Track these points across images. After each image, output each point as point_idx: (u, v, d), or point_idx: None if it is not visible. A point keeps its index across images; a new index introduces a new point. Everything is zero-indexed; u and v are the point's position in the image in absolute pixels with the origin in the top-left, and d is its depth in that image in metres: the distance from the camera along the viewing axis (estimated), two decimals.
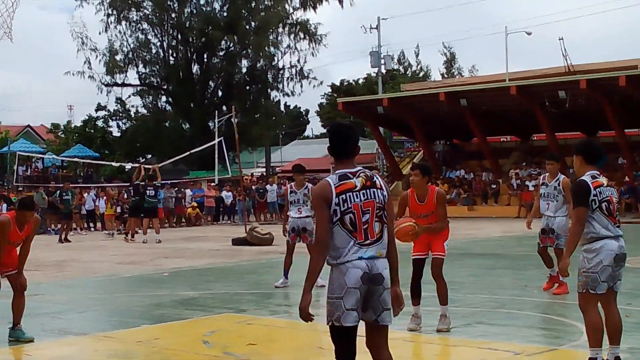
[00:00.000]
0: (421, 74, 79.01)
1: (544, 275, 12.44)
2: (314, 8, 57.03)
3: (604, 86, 35.44)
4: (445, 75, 76.36)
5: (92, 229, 34.40)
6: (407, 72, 79.70)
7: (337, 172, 5.23)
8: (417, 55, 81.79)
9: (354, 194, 5.13)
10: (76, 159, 47.21)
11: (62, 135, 64.21)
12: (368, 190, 5.19)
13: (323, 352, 8.02)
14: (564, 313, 10.10)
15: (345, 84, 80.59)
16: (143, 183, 26.66)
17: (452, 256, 18.45)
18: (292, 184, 13.98)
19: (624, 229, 7.03)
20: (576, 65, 44.84)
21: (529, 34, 52.98)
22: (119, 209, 32.52)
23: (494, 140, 44.74)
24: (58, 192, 30.61)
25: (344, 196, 5.11)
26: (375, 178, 5.27)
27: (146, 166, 30.75)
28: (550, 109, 36.97)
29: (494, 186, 39.47)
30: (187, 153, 40.31)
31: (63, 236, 27.60)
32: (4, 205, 29.91)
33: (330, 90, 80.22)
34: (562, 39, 45.25)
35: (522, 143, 44.38)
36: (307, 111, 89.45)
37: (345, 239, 5.11)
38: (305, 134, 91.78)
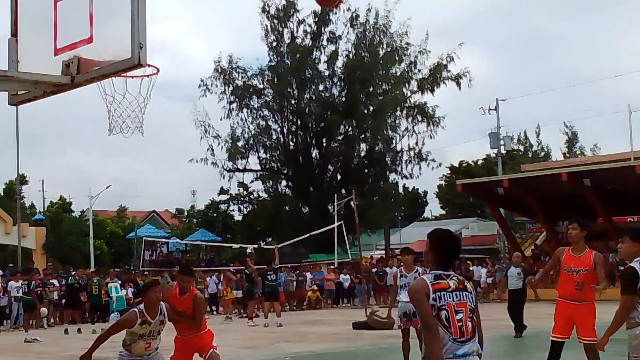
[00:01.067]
0: (542, 154, 77.98)
1: None
2: (432, 91, 57.30)
3: None
4: (567, 155, 75.12)
5: (215, 312, 34.82)
6: (528, 152, 78.80)
7: (432, 272, 5.60)
8: (537, 135, 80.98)
9: (447, 293, 5.47)
10: (199, 242, 48.28)
11: (186, 220, 65.98)
12: (460, 292, 5.54)
13: None
14: None
15: (464, 165, 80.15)
16: (262, 268, 27.00)
17: None
18: (402, 267, 13.81)
19: None
20: None
21: None
22: (239, 293, 32.71)
23: (620, 220, 43.48)
24: None
25: (439, 294, 5.46)
26: (466, 282, 5.65)
27: (267, 247, 31.14)
28: None
29: (622, 268, 38.23)
30: (307, 235, 40.65)
31: None
32: (130, 289, 30.70)
33: (448, 171, 79.90)
34: None
35: None
36: (425, 193, 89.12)
37: (443, 334, 5.37)
38: (424, 215, 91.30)
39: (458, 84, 56.82)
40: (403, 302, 13.29)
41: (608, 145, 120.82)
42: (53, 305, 30.30)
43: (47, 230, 50.46)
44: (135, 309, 8.82)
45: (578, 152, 77.39)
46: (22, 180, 59.53)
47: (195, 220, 64.35)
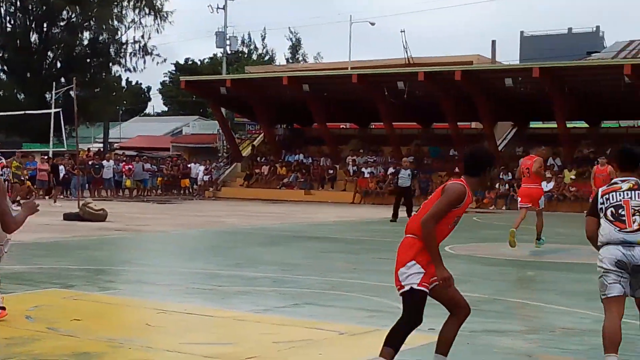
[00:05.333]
0: (267, 58, 79.30)
1: (375, 260, 12.70)
2: None
3: (441, 80, 36.62)
4: (290, 60, 76.95)
5: None
6: (253, 55, 79.81)
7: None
8: (263, 39, 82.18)
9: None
10: None
11: None
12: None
13: (150, 329, 7.99)
14: (389, 295, 10.28)
15: (190, 63, 79.85)
16: None
17: (287, 239, 18.72)
18: None
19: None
20: (416, 57, 46.15)
21: (373, 24, 54.34)
22: None
23: (334, 127, 45.40)
24: None
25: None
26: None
27: None
28: (390, 98, 37.90)
29: (331, 171, 40.16)
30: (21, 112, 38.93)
31: None
32: None
33: (174, 68, 79.31)
34: (404, 31, 46.54)
35: (360, 131, 45.29)
36: (148, 88, 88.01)
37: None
38: (146, 111, 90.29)
39: None
40: None
41: (330, 55, 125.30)
42: None
43: None
44: None
45: (301, 58, 79.52)
46: None
47: None
